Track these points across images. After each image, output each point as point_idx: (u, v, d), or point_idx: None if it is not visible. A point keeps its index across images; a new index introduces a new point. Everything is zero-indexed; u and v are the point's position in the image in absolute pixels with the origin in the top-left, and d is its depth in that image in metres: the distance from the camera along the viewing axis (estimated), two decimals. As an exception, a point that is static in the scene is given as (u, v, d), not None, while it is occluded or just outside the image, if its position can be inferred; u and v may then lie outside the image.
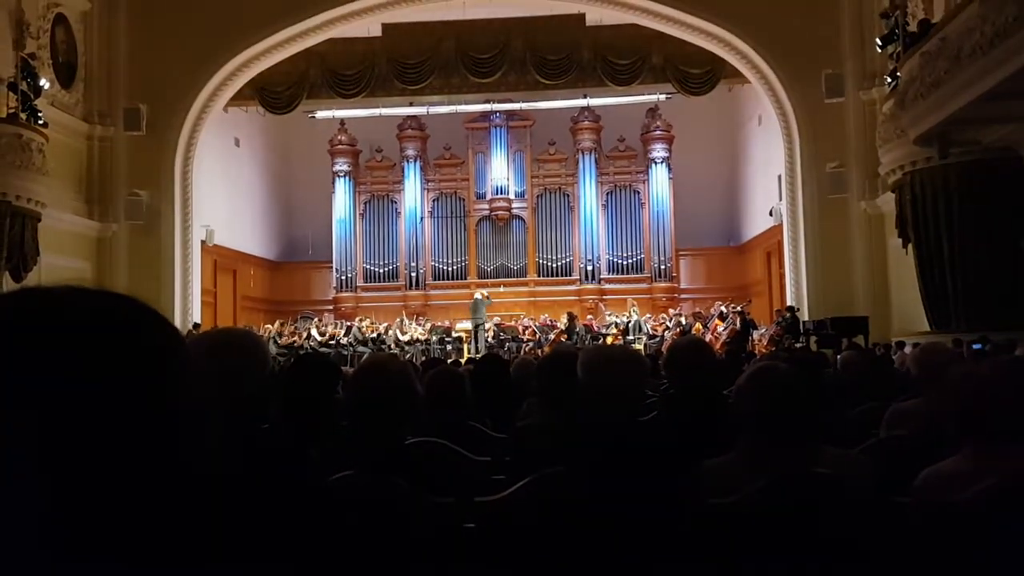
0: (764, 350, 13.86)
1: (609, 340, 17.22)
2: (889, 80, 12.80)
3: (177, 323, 16.33)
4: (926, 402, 3.27)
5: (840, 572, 1.97)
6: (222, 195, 19.77)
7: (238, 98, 17.98)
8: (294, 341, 17.60)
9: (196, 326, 16.05)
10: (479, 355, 15.05)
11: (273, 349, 16.20)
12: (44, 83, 14.05)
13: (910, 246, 12.59)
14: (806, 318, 15.34)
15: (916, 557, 2.00)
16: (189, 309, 16.97)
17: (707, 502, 1.98)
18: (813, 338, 14.07)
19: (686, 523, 1.88)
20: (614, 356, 2.22)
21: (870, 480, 2.24)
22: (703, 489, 2.08)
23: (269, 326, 18.33)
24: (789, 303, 16.33)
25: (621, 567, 1.85)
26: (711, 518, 1.94)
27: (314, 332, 18.29)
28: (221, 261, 19.81)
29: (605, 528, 1.86)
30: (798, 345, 13.60)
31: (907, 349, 8.95)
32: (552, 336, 17.92)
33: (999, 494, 1.99)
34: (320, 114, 20.42)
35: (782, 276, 17.72)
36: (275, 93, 18.14)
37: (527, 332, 18.60)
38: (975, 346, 8.59)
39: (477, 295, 18.41)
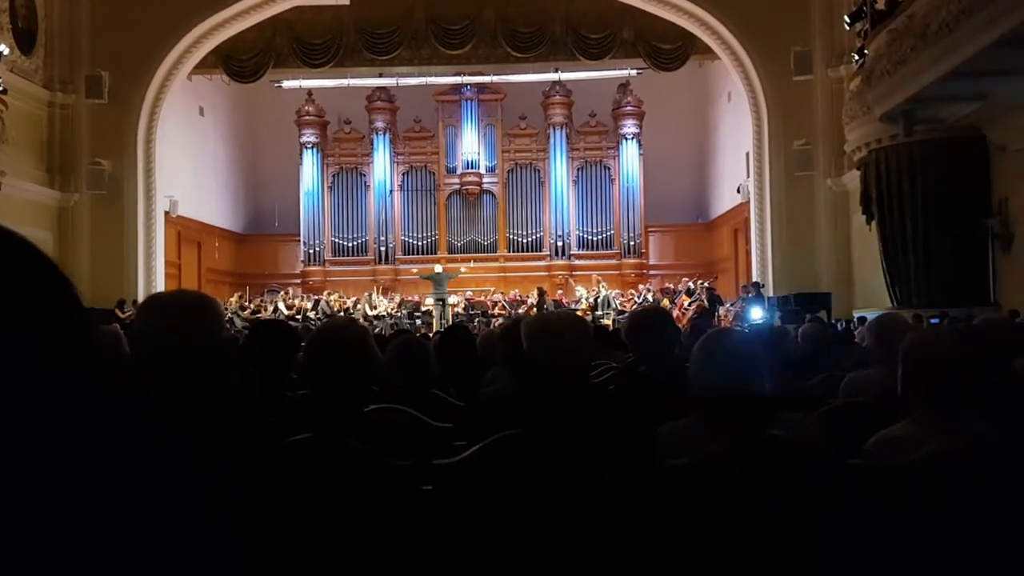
0: (729, 325, 14.00)
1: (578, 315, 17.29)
2: (856, 57, 12.89)
3: (140, 296, 16.13)
4: (882, 371, 3.33)
5: (795, 532, 2.00)
6: (186, 165, 19.49)
7: (202, 66, 17.65)
8: (260, 314, 17.45)
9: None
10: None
11: (238, 323, 16.05)
12: (3, 49, 13.69)
13: (874, 223, 12.75)
14: (771, 294, 15.52)
15: (867, 517, 2.04)
16: (153, 281, 16.76)
17: (663, 463, 2.00)
18: (777, 313, 14.23)
19: (641, 485, 1.90)
20: (555, 323, 2.22)
21: (825, 443, 2.27)
22: (660, 451, 2.10)
23: (232, 299, 18.15)
24: (754, 279, 16.50)
25: (576, 528, 1.87)
26: (667, 479, 1.96)
27: (281, 305, 18.15)
28: (185, 232, 19.55)
29: (560, 489, 1.88)
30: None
31: (868, 324, 9.08)
32: (522, 311, 17.95)
33: (945, 457, 2.03)
34: (287, 84, 20.14)
35: (748, 252, 17.88)
36: (240, 61, 17.83)
37: (497, 307, 18.62)
38: (933, 321, 8.75)
39: (436, 268, 18.26)
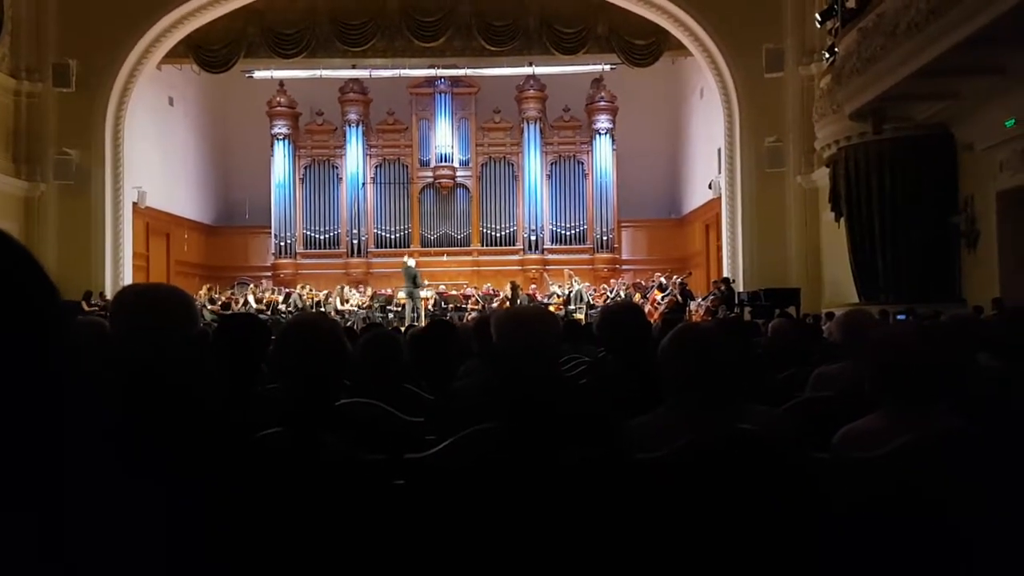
0: (700, 320, 14.09)
1: (551, 309, 17.33)
2: (827, 55, 13.01)
3: (108, 288, 15.92)
4: (849, 365, 3.37)
5: (761, 524, 2.03)
6: (155, 156, 19.24)
7: (172, 55, 17.43)
8: (229, 307, 17.29)
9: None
10: (415, 323, 14.99)
11: (207, 316, 15.89)
12: (-35, 34, 13.42)
13: (843, 220, 12.90)
14: (741, 290, 15.66)
15: (836, 509, 2.06)
16: (120, 273, 16.54)
17: (632, 456, 2.01)
18: (747, 309, 14.36)
19: (610, 477, 1.91)
20: (524, 316, 2.23)
21: (792, 436, 2.30)
22: (628, 444, 2.11)
23: (201, 292, 17.96)
24: (725, 275, 16.64)
25: (547, 520, 1.88)
26: (636, 473, 1.98)
27: (251, 299, 17.99)
28: (154, 224, 19.31)
29: (529, 482, 1.88)
30: (732, 315, 13.86)
31: (837, 319, 9.17)
32: (495, 305, 17.96)
33: (911, 451, 2.07)
34: (258, 74, 19.93)
35: (720, 248, 18.02)
36: (211, 51, 17.61)
37: (470, 301, 18.61)
38: (900, 317, 8.87)
39: (409, 262, 18.14)
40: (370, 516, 2.09)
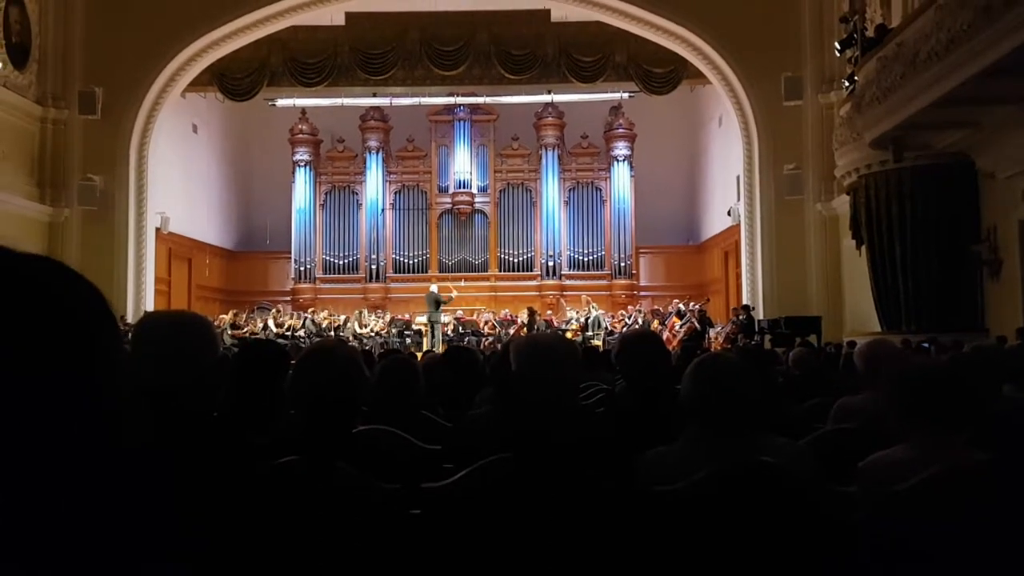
0: (720, 348, 14.00)
1: (568, 336, 17.27)
2: (846, 84, 13.00)
3: (130, 312, 16.05)
4: (872, 396, 3.33)
5: (780, 559, 1.99)
6: (178, 182, 19.47)
7: (197, 84, 17.69)
8: (249, 332, 17.36)
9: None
10: (433, 348, 14.99)
11: (227, 340, 15.97)
12: (-5, 63, 13.69)
13: (863, 248, 12.81)
14: (761, 317, 15.54)
15: (858, 544, 2.03)
16: (142, 298, 16.68)
17: (650, 489, 1.98)
18: (767, 337, 14.25)
19: (626, 509, 1.89)
20: (544, 343, 2.23)
21: (812, 469, 2.27)
22: (645, 476, 2.09)
23: (224, 316, 18.07)
24: (745, 302, 16.53)
25: (562, 553, 1.85)
26: (653, 505, 1.95)
27: (270, 323, 18.06)
28: (176, 249, 19.50)
29: (544, 514, 1.86)
30: (752, 343, 13.76)
31: (858, 348, 9.07)
32: (512, 331, 17.93)
33: (941, 482, 2.03)
34: (281, 102, 20.17)
35: (739, 275, 17.93)
36: (235, 79, 17.87)
37: (487, 326, 18.60)
38: (923, 345, 8.77)
39: (433, 287, 18.21)
40: (386, 545, 2.08)
